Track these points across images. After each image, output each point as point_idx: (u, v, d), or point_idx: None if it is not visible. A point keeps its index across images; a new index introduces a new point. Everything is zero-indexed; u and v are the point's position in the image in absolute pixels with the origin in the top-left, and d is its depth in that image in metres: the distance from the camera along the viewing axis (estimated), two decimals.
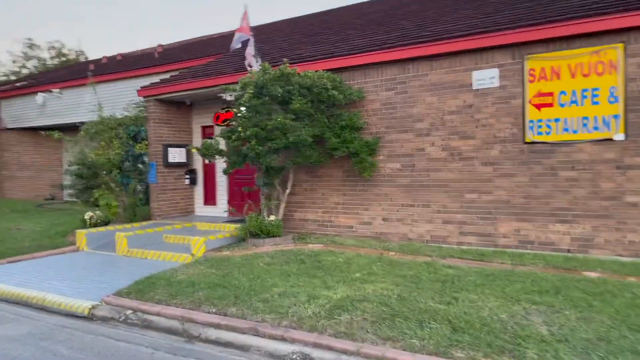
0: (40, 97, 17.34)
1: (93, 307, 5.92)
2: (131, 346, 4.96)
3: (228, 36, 12.59)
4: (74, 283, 7.08)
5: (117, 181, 11.36)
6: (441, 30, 8.65)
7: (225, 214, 11.59)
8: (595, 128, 6.94)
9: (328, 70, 8.85)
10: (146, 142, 11.55)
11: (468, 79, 7.85)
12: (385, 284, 5.83)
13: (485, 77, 7.67)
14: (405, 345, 4.28)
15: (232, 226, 9.52)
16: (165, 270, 7.12)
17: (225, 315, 5.29)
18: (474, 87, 7.80)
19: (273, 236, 8.57)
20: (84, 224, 10.75)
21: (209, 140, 9.34)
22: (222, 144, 9.40)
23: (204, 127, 12.38)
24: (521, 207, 7.48)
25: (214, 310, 5.42)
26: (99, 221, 10.85)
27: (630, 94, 6.72)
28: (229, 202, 11.83)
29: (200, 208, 12.46)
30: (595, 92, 6.94)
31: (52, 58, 33.19)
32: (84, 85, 14.03)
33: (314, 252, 7.64)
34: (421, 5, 11.57)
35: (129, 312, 5.74)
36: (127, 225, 10.54)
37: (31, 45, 32.77)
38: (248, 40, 9.56)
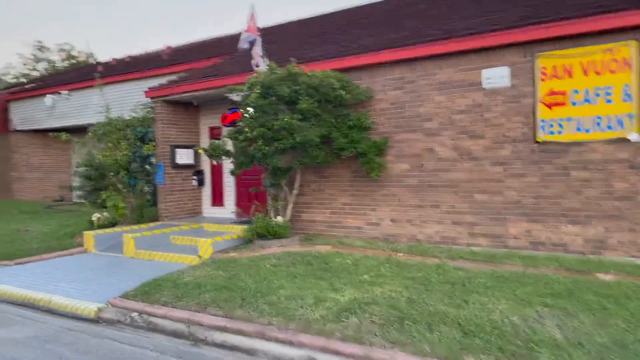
0: (49, 99, 17.42)
1: (99, 310, 5.89)
2: (136, 349, 4.91)
3: (236, 37, 12.51)
4: (81, 285, 7.06)
5: (124, 182, 11.35)
6: (450, 28, 8.54)
7: (233, 215, 11.54)
8: (609, 127, 6.79)
9: (335, 69, 8.76)
10: (154, 143, 11.54)
11: (477, 78, 7.73)
12: (393, 286, 5.74)
13: (495, 75, 7.55)
14: (415, 349, 4.19)
15: (239, 227, 9.47)
16: (172, 272, 7.08)
17: (231, 318, 5.23)
18: (484, 86, 7.68)
19: (280, 237, 8.50)
20: (91, 226, 10.75)
21: (216, 141, 9.30)
22: (229, 145, 9.34)
23: (211, 128, 12.35)
24: (532, 208, 7.35)
25: (220, 313, 5.36)
26: (106, 222, 10.85)
27: None
28: (236, 203, 11.79)
29: (207, 209, 12.43)
30: (608, 91, 6.80)
31: (62, 60, 33.42)
32: (92, 87, 14.07)
33: (321, 253, 7.56)
34: (429, 4, 11.46)
35: (134, 314, 5.70)
36: (135, 227, 10.53)
37: (41, 48, 33.03)
38: (255, 40, 9.51)
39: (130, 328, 5.54)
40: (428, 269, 6.44)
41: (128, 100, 14.10)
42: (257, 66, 9.33)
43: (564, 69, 7.07)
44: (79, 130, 14.89)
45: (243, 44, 9.61)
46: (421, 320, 4.67)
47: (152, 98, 11.68)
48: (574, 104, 7.03)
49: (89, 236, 9.77)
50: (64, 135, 12.10)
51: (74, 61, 33.09)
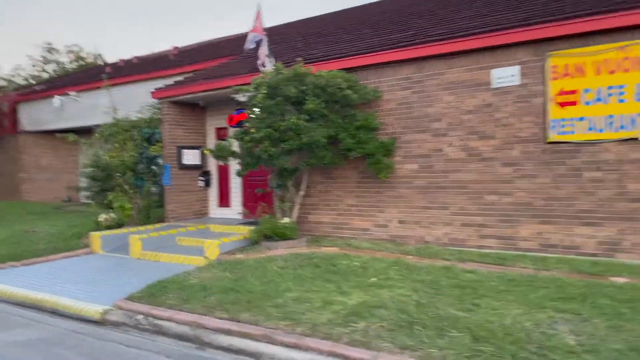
0: (57, 100, 17.49)
1: (105, 312, 5.84)
2: (141, 352, 4.85)
3: (243, 37, 12.49)
4: (87, 286, 7.03)
5: (131, 183, 11.32)
6: (458, 27, 8.42)
7: (240, 216, 11.48)
8: (622, 127, 6.65)
9: (342, 69, 8.68)
10: (160, 144, 11.50)
11: (487, 77, 7.62)
12: (402, 290, 5.64)
13: (505, 75, 7.42)
14: (424, 355, 4.09)
15: (246, 228, 9.40)
16: (178, 274, 7.02)
17: (237, 321, 5.15)
18: (493, 86, 7.56)
19: (287, 239, 8.42)
20: (98, 226, 10.73)
21: (222, 142, 9.23)
22: (236, 146, 9.28)
23: (218, 129, 12.30)
24: (543, 209, 7.22)
25: (226, 316, 5.29)
26: (113, 223, 10.83)
27: None
28: (243, 204, 11.74)
29: (214, 210, 12.38)
30: (621, 90, 6.66)
31: (70, 62, 33.58)
32: (99, 88, 14.08)
33: (328, 255, 7.47)
34: (437, 2, 11.33)
35: (140, 317, 5.64)
36: (141, 228, 10.50)
37: (50, 49, 33.18)
38: (261, 40, 9.45)
39: (135, 331, 5.48)
40: (437, 272, 6.33)
41: (135, 101, 14.06)
42: (264, 66, 9.27)
43: (576, 68, 6.93)
44: (86, 132, 14.90)
45: (249, 44, 9.56)
46: (431, 325, 4.56)
47: (158, 99, 11.65)
48: (586, 103, 6.89)
49: (96, 237, 9.75)
50: (71, 136, 12.10)
51: (82, 63, 33.24)
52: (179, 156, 11.53)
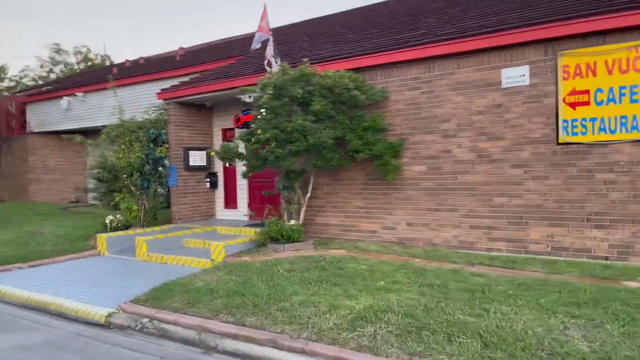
0: (64, 101, 17.52)
1: (110, 315, 5.79)
2: (146, 357, 4.80)
3: (249, 38, 12.45)
4: (93, 289, 6.99)
5: (137, 185, 11.30)
6: (468, 26, 8.32)
7: (246, 218, 11.43)
8: (635, 127, 6.52)
9: (350, 70, 8.59)
10: (167, 145, 11.47)
11: (497, 77, 7.50)
12: (410, 294, 5.54)
13: (515, 74, 7.30)
14: None
15: (253, 230, 9.34)
16: (184, 277, 6.97)
17: (243, 325, 5.08)
18: (503, 86, 7.44)
19: (293, 241, 8.34)
20: (105, 228, 10.72)
21: (228, 143, 9.17)
22: (242, 147, 9.22)
23: (224, 130, 12.26)
24: (554, 212, 7.09)
25: (231, 320, 5.22)
26: (119, 225, 10.81)
27: None
28: (250, 205, 11.68)
29: (221, 211, 12.33)
30: (634, 90, 6.52)
31: (78, 63, 33.72)
32: (106, 89, 14.07)
33: (335, 258, 7.38)
34: (446, 1, 11.21)
35: (145, 320, 5.59)
36: (148, 229, 10.47)
37: (58, 50, 33.35)
38: (267, 40, 9.39)
39: (140, 334, 5.42)
40: (446, 275, 6.22)
41: (142, 102, 14.10)
42: (270, 67, 9.20)
43: (588, 67, 6.81)
44: (93, 132, 14.92)
45: (255, 44, 9.51)
46: (440, 330, 4.46)
47: (164, 100, 11.63)
48: (598, 103, 6.76)
49: (102, 239, 9.74)
50: (78, 137, 12.11)
51: (90, 63, 33.38)
52: (186, 157, 11.50)
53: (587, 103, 6.83)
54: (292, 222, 8.68)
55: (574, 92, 6.91)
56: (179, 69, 14.57)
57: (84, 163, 19.57)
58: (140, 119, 11.85)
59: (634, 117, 6.51)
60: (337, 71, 8.32)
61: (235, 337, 4.92)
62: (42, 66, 33.12)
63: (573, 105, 6.91)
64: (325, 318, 4.96)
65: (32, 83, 31.36)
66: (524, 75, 7.25)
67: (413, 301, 5.27)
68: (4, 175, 20.39)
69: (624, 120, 6.59)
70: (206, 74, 12.34)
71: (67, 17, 53.96)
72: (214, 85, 10.66)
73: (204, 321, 5.28)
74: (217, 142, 12.19)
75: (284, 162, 8.29)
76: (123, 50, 51.07)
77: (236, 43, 17.18)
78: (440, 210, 8.08)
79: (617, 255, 6.64)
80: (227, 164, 11.71)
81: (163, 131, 11.61)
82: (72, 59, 33.80)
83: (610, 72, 6.67)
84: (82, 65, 33.35)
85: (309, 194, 9.10)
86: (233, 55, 13.90)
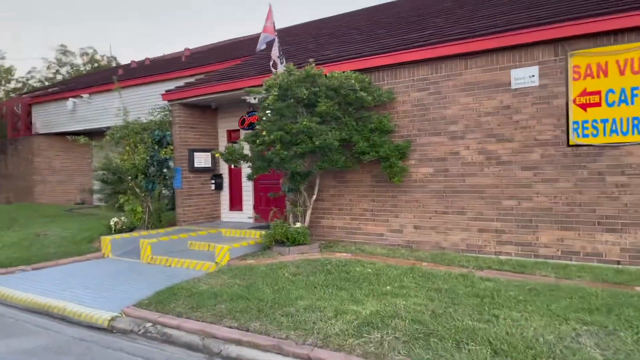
0: (70, 103, 17.52)
1: (113, 319, 5.72)
2: None
3: (255, 39, 12.39)
4: (96, 292, 6.93)
5: (142, 186, 11.24)
6: (476, 26, 8.20)
7: (251, 220, 11.34)
8: None
9: (356, 70, 8.49)
10: (171, 147, 11.41)
11: (505, 78, 7.38)
12: (418, 299, 5.43)
13: (525, 75, 7.18)
14: None
15: (258, 233, 9.25)
16: (188, 280, 6.89)
17: (247, 330, 4.99)
18: (512, 87, 7.32)
19: (299, 244, 8.25)
20: (109, 230, 10.68)
21: (233, 145, 9.09)
22: (247, 149, 9.14)
23: (229, 131, 12.19)
24: (564, 215, 6.96)
25: (235, 325, 5.13)
26: (124, 227, 10.77)
27: None
28: (255, 207, 11.60)
29: (226, 214, 12.26)
30: None
31: (84, 64, 33.81)
32: (112, 90, 14.06)
33: (341, 261, 7.28)
34: (454, 1, 11.10)
35: (148, 324, 5.51)
36: (152, 232, 10.40)
37: (65, 52, 33.44)
38: (273, 41, 9.31)
39: (143, 339, 5.35)
40: (454, 280, 6.10)
41: (147, 103, 14.05)
42: (275, 68, 9.12)
43: (599, 68, 6.67)
44: (99, 134, 14.90)
45: (261, 45, 9.45)
46: (448, 337, 4.35)
47: (169, 101, 11.57)
48: (609, 104, 6.63)
49: (106, 241, 9.68)
50: (82, 139, 12.08)
51: (96, 65, 33.46)
52: (191, 159, 11.43)
53: (598, 104, 6.69)
54: (298, 224, 8.59)
55: (584, 93, 6.77)
56: (184, 70, 14.53)
57: (89, 164, 19.57)
58: (145, 121, 11.80)
59: None
60: (343, 72, 8.22)
61: (239, 342, 4.83)
62: (48, 67, 33.23)
63: (584, 107, 6.78)
64: (331, 323, 4.86)
65: (38, 84, 31.45)
66: (533, 75, 7.13)
67: (421, 306, 5.16)
68: (10, 177, 20.43)
69: (636, 122, 6.45)
70: (211, 75, 12.28)
71: (67, 17, 54.21)
72: (219, 86, 10.59)
73: (208, 326, 5.20)
74: (222, 143, 12.11)
75: (289, 164, 8.20)
76: (123, 50, 51.25)
77: (242, 44, 17.14)
78: (447, 213, 7.96)
79: (629, 260, 6.49)
80: (233, 166, 11.64)
81: (168, 133, 11.56)
82: (79, 61, 33.92)
83: (622, 73, 6.54)
84: (88, 67, 33.42)
85: (314, 196, 9.00)
86: (239, 56, 13.84)
